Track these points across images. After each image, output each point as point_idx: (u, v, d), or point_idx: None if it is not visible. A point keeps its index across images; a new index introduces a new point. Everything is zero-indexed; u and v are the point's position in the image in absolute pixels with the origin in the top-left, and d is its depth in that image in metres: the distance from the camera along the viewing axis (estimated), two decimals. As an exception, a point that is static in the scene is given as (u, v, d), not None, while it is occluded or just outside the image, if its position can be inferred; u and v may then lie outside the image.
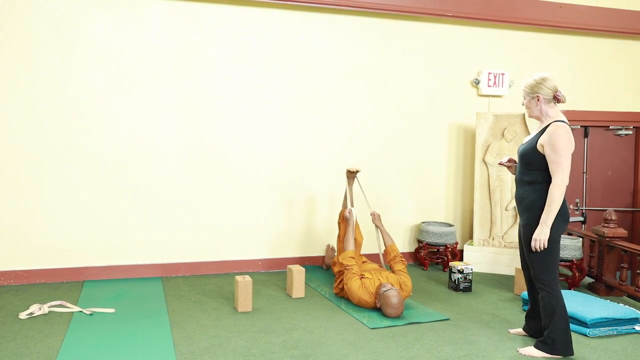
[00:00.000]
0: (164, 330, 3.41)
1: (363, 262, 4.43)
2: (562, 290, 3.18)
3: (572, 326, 3.50)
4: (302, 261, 5.07)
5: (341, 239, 4.48)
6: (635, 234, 6.09)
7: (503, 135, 5.24)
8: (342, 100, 5.16)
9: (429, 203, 5.54)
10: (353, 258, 4.14)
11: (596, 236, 4.68)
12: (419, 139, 5.45)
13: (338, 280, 4.22)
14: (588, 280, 4.90)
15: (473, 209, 5.38)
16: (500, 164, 3.50)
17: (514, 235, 5.16)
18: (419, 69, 5.39)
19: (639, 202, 6.18)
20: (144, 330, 3.39)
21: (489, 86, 5.53)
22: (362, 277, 3.96)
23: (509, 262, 5.04)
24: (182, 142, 4.72)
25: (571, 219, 5.17)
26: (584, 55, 5.90)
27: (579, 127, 6.00)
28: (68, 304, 3.80)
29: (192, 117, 4.73)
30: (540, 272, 3.09)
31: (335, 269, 4.31)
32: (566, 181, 2.99)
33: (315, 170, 5.12)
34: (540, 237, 3.01)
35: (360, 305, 3.93)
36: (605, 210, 4.73)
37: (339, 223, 4.61)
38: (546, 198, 3.01)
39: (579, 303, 3.73)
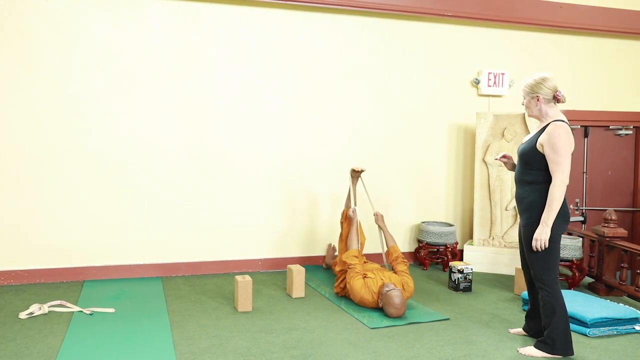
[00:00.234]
0: (164, 330, 3.41)
1: (364, 262, 4.43)
2: (562, 290, 3.17)
3: (572, 326, 3.50)
4: (302, 261, 5.07)
5: (343, 238, 4.48)
6: (635, 234, 6.09)
7: (503, 135, 5.24)
8: (342, 100, 5.16)
9: (429, 203, 5.54)
10: (357, 257, 4.13)
11: (596, 236, 4.68)
12: (419, 139, 5.45)
13: (339, 280, 4.22)
14: (588, 280, 4.90)
15: (473, 208, 5.38)
16: (496, 159, 3.53)
17: (514, 235, 5.16)
18: (419, 69, 5.39)
19: (639, 202, 6.18)
20: (144, 330, 3.39)
21: (489, 86, 5.53)
22: (365, 276, 3.96)
23: (509, 262, 5.04)
24: (182, 142, 4.72)
25: (571, 219, 5.17)
26: (584, 55, 5.90)
27: (579, 127, 6.00)
28: (68, 304, 3.80)
29: (192, 117, 4.73)
30: (541, 271, 3.09)
31: (337, 269, 4.31)
32: (566, 181, 2.99)
33: (315, 170, 5.12)
34: (541, 236, 3.01)
35: (361, 305, 3.93)
36: (605, 210, 4.73)
37: (341, 222, 4.60)
38: (546, 198, 3.01)
39: (579, 303, 3.73)
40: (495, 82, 5.54)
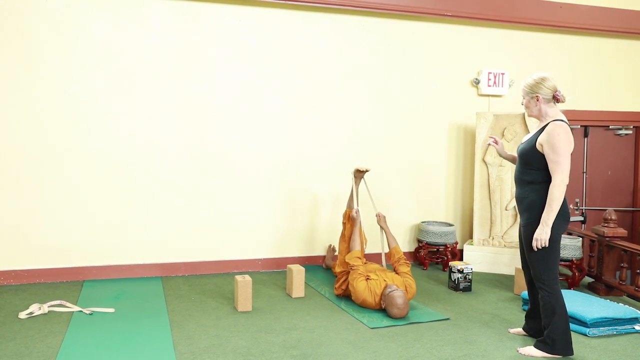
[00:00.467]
0: (164, 330, 3.41)
1: (365, 263, 4.42)
2: (562, 290, 3.17)
3: (572, 326, 3.50)
4: (302, 261, 5.07)
5: (345, 238, 4.46)
6: (635, 233, 6.09)
7: (503, 135, 5.25)
8: (342, 100, 5.16)
9: (429, 203, 5.54)
10: (359, 258, 4.13)
11: (596, 236, 4.68)
12: (419, 139, 5.45)
13: (340, 281, 4.21)
14: (588, 280, 4.90)
15: (473, 208, 5.38)
16: (489, 144, 3.60)
17: (513, 235, 5.16)
18: (419, 69, 5.39)
19: (639, 202, 6.18)
20: (143, 330, 3.39)
21: (489, 86, 5.53)
22: (367, 278, 3.95)
23: (509, 262, 5.04)
24: (182, 142, 4.72)
25: (571, 219, 5.16)
26: (584, 55, 5.90)
27: (579, 127, 6.00)
28: (68, 304, 3.80)
29: (192, 117, 4.73)
30: (541, 271, 3.09)
31: (337, 270, 4.29)
32: (566, 180, 2.99)
33: (315, 170, 5.12)
34: (541, 236, 3.01)
35: (363, 307, 3.93)
36: (605, 210, 4.73)
37: (344, 223, 4.59)
38: (546, 198, 3.01)
39: (578, 303, 3.73)
40: (495, 82, 5.54)
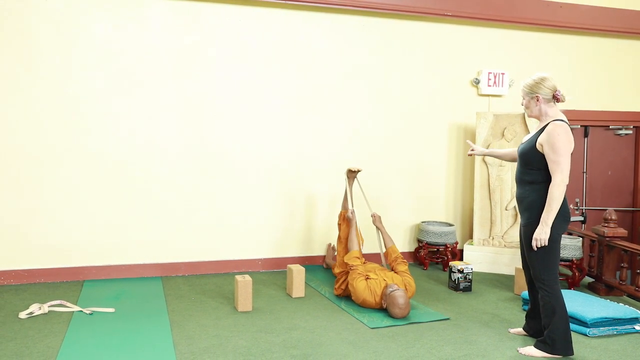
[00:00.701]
0: (164, 330, 3.41)
1: (364, 262, 4.42)
2: (562, 290, 3.18)
3: (572, 326, 3.50)
4: (302, 261, 5.07)
5: (342, 240, 4.46)
6: (635, 233, 6.09)
7: (503, 135, 5.24)
8: (342, 100, 5.16)
9: (429, 203, 5.54)
10: (358, 258, 4.13)
11: (596, 236, 4.68)
12: (419, 139, 5.45)
13: (340, 282, 4.21)
14: (588, 280, 4.90)
15: (473, 208, 5.38)
16: (469, 154, 3.75)
17: (514, 235, 5.15)
18: (419, 69, 5.39)
19: (639, 202, 6.18)
20: (144, 330, 3.39)
21: (489, 86, 5.53)
22: (367, 277, 3.95)
23: (509, 262, 5.04)
24: (182, 142, 4.72)
25: (571, 219, 5.16)
26: (584, 55, 5.90)
27: (579, 126, 6.00)
28: (68, 304, 3.80)
29: (192, 117, 4.73)
30: (541, 271, 3.09)
31: (336, 270, 4.30)
32: (566, 180, 2.99)
33: (315, 170, 5.12)
34: (541, 236, 3.01)
35: (363, 306, 3.93)
36: (605, 210, 4.73)
37: (339, 224, 4.59)
38: (546, 197, 3.01)
39: (579, 303, 3.73)
40: (495, 82, 5.54)
